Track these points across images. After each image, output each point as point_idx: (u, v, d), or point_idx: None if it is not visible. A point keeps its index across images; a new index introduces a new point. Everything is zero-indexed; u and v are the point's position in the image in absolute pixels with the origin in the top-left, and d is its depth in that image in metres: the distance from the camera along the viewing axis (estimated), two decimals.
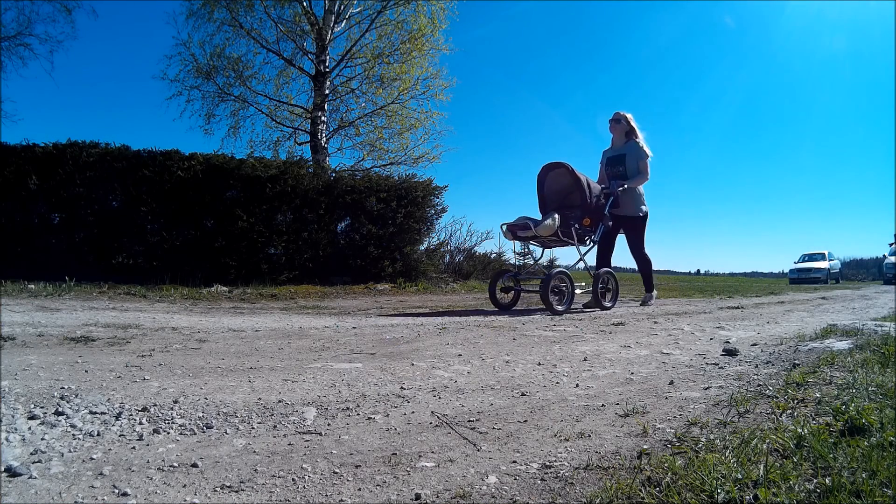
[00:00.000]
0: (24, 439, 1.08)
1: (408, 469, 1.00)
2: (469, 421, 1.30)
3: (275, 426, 1.24)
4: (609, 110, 5.15)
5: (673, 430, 1.20)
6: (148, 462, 1.00)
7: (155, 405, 1.34)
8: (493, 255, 9.19)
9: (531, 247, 5.24)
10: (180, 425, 1.21)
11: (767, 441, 1.06)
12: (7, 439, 1.07)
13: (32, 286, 4.41)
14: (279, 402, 1.42)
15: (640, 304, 5.04)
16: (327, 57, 9.00)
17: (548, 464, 1.03)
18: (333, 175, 7.01)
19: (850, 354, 1.95)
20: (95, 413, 1.26)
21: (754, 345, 2.45)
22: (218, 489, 0.90)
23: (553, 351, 2.28)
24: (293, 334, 2.65)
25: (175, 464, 0.99)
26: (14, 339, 2.18)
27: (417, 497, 0.88)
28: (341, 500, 0.87)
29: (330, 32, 8.89)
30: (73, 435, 1.12)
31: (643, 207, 4.86)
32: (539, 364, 2.00)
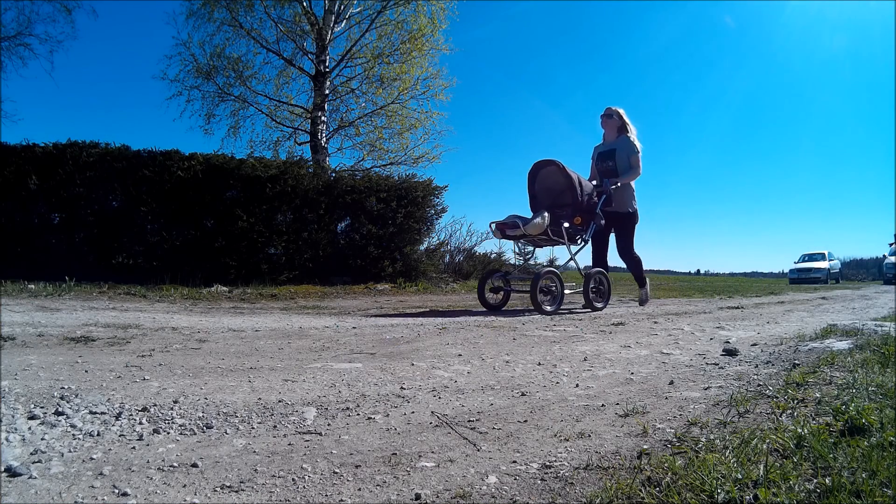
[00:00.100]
0: (24, 439, 1.08)
1: (408, 469, 1.00)
2: (469, 421, 1.30)
3: (275, 426, 1.24)
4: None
5: (673, 430, 1.20)
6: (148, 462, 1.00)
7: (155, 405, 1.34)
8: (493, 255, 9.20)
9: (530, 247, 5.24)
10: (180, 425, 1.21)
11: (767, 441, 1.06)
12: (7, 439, 1.07)
13: (32, 286, 4.41)
14: (279, 402, 1.42)
15: (639, 304, 5.00)
16: (327, 57, 9.00)
17: (548, 464, 1.03)
18: (333, 175, 7.02)
19: (850, 354, 1.95)
20: (95, 413, 1.26)
21: (754, 345, 2.45)
22: (218, 489, 0.90)
23: (553, 351, 2.28)
24: (293, 334, 2.66)
25: (175, 464, 0.99)
26: (14, 339, 2.18)
27: (417, 497, 0.88)
28: (341, 500, 0.87)
29: (330, 32, 8.89)
30: (73, 435, 1.12)
31: (633, 204, 4.79)
32: (539, 364, 2.00)
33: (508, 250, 9.27)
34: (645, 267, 5.00)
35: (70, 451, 1.03)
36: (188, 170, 5.90)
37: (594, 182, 4.80)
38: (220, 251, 6.01)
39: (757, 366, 1.93)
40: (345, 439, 1.16)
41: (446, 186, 7.43)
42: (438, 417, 1.33)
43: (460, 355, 2.15)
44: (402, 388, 1.61)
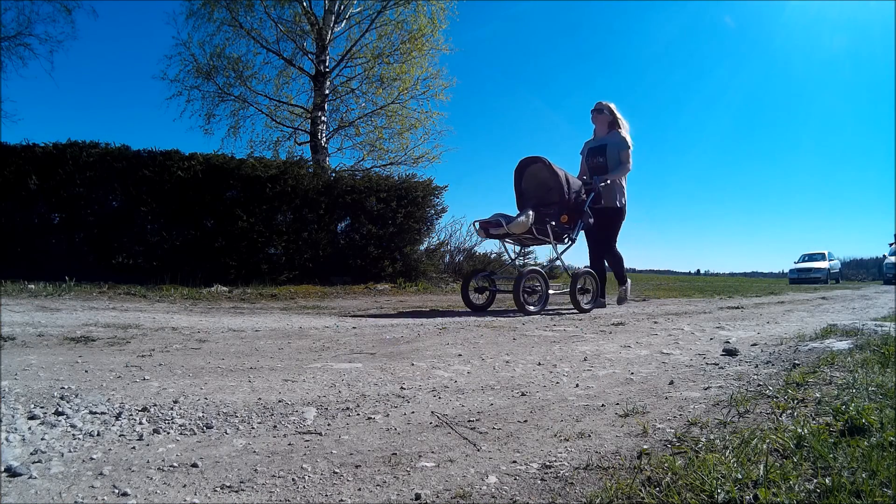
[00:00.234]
0: (24, 439, 1.08)
1: (408, 469, 1.00)
2: (469, 421, 1.30)
3: (275, 426, 1.24)
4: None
5: (673, 430, 1.20)
6: (148, 462, 1.00)
7: (155, 405, 1.34)
8: (493, 255, 9.20)
9: (518, 246, 5.07)
10: (180, 425, 1.21)
11: (767, 441, 1.06)
12: (7, 439, 1.07)
13: (32, 286, 4.41)
14: (279, 402, 1.42)
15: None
16: (327, 57, 9.00)
17: (548, 464, 1.03)
18: (333, 175, 7.01)
19: (850, 354, 1.95)
20: (95, 413, 1.26)
21: (754, 345, 2.45)
22: (218, 489, 0.90)
23: (553, 351, 2.28)
24: (293, 334, 2.65)
25: (175, 464, 0.99)
26: (14, 339, 2.18)
27: (417, 497, 0.88)
28: (341, 500, 0.87)
29: (330, 32, 8.89)
30: (73, 435, 1.12)
31: (622, 199, 4.69)
32: (539, 364, 2.00)
33: (508, 250, 9.25)
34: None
35: (70, 451, 1.03)
36: (188, 170, 5.90)
37: (584, 177, 4.70)
38: (220, 251, 6.01)
39: (757, 366, 1.93)
40: (345, 439, 1.16)
41: (446, 186, 7.44)
42: (438, 417, 1.33)
43: (460, 355, 2.15)
44: (402, 388, 1.61)
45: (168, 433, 1.16)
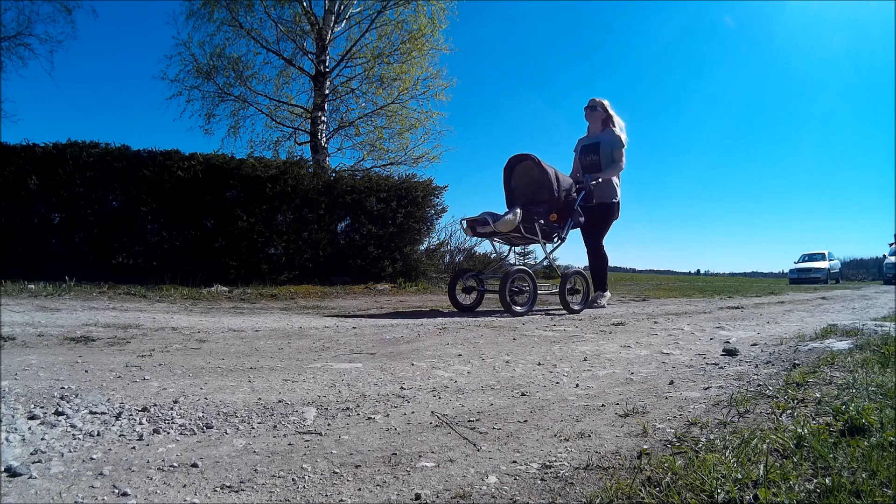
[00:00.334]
0: (24, 439, 1.08)
1: (408, 469, 1.00)
2: (469, 421, 1.30)
3: (275, 426, 1.24)
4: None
5: (673, 430, 1.20)
6: (148, 462, 1.00)
7: (155, 405, 1.34)
8: (493, 255, 9.20)
9: (505, 245, 4.88)
10: (180, 425, 1.21)
11: (767, 441, 1.06)
12: (7, 439, 1.07)
13: (32, 286, 4.41)
14: (279, 402, 1.42)
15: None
16: (327, 57, 9.00)
17: (548, 464, 1.03)
18: (333, 175, 7.01)
19: (850, 354, 1.95)
20: (95, 413, 1.26)
21: (754, 345, 2.45)
22: (218, 489, 0.90)
23: (553, 351, 2.28)
24: (293, 334, 2.65)
25: (175, 464, 0.99)
26: (14, 339, 2.18)
27: (417, 497, 0.88)
28: (341, 500, 0.87)
29: (330, 32, 8.90)
30: (73, 435, 1.12)
31: (615, 196, 4.61)
32: (539, 364, 2.00)
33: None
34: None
35: (70, 451, 1.03)
36: (188, 170, 5.90)
37: (576, 174, 4.60)
38: (220, 251, 6.01)
39: (757, 366, 1.93)
40: (345, 439, 1.16)
41: (446, 186, 7.44)
42: (438, 417, 1.33)
43: (460, 355, 2.15)
44: (402, 388, 1.61)
45: (168, 433, 1.16)
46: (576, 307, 4.20)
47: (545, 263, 4.80)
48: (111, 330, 2.56)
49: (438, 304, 4.84)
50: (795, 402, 1.38)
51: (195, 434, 1.17)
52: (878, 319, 3.29)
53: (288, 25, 8.92)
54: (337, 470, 0.99)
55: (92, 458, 1.00)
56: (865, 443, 1.02)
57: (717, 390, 1.58)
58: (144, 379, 1.61)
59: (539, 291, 4.16)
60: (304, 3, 8.73)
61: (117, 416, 1.24)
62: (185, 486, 0.91)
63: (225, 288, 5.22)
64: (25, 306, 3.37)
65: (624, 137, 4.64)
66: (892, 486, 0.84)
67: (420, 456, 1.07)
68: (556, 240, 4.39)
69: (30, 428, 1.14)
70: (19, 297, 3.84)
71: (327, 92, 9.08)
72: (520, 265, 4.45)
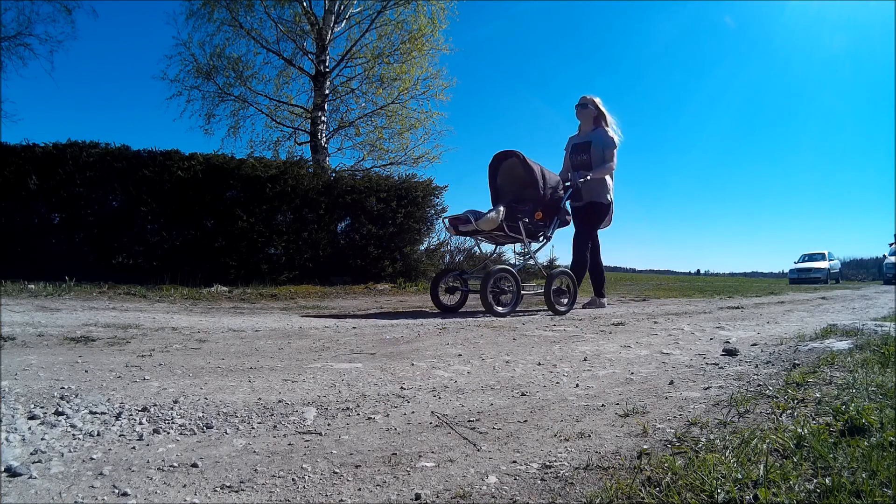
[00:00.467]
0: (24, 439, 1.08)
1: (408, 469, 1.00)
2: (469, 421, 1.30)
3: (275, 426, 1.24)
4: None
5: (673, 430, 1.20)
6: (148, 462, 1.00)
7: (155, 405, 1.34)
8: (493, 255, 9.20)
9: (490, 244, 4.73)
10: (180, 425, 1.21)
11: (767, 441, 1.06)
12: (7, 439, 1.07)
13: (32, 286, 4.41)
14: (279, 402, 1.42)
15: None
16: (327, 57, 9.00)
17: (548, 464, 1.03)
18: (333, 175, 7.02)
19: (850, 354, 1.95)
20: (95, 413, 1.26)
21: (754, 345, 2.45)
22: (218, 489, 0.90)
23: (553, 351, 2.28)
24: (293, 334, 2.65)
25: (175, 464, 0.99)
26: (14, 339, 2.18)
27: (417, 497, 0.88)
28: (341, 500, 0.87)
29: (330, 32, 8.90)
30: (73, 435, 1.12)
31: (607, 196, 4.50)
32: (539, 364, 2.00)
33: (508, 249, 9.21)
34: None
35: (70, 451, 1.03)
36: (188, 170, 5.91)
37: (569, 172, 4.49)
38: (220, 251, 6.01)
39: (757, 366, 1.93)
40: (345, 439, 1.16)
41: (446, 186, 7.45)
42: (438, 417, 1.33)
43: (460, 355, 2.15)
44: (402, 388, 1.61)
45: (168, 433, 1.16)
46: (562, 308, 4.07)
47: (531, 263, 4.58)
48: (111, 330, 2.56)
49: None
50: (795, 402, 1.38)
51: (195, 434, 1.17)
52: (878, 319, 3.29)
53: (288, 25, 8.93)
54: (337, 470, 0.99)
55: (92, 458, 1.00)
56: (865, 443, 1.02)
57: (717, 390, 1.58)
58: (144, 379, 1.61)
59: (524, 292, 4.05)
60: (304, 3, 8.73)
61: (117, 416, 1.24)
62: (185, 486, 0.91)
63: (225, 288, 5.22)
64: (25, 306, 3.37)
65: (616, 137, 4.54)
66: (892, 486, 0.84)
67: (420, 456, 1.07)
68: (541, 239, 4.29)
69: (30, 428, 1.14)
70: (19, 297, 3.84)
71: (327, 92, 9.09)
72: (503, 264, 4.31)
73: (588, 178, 4.32)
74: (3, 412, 1.22)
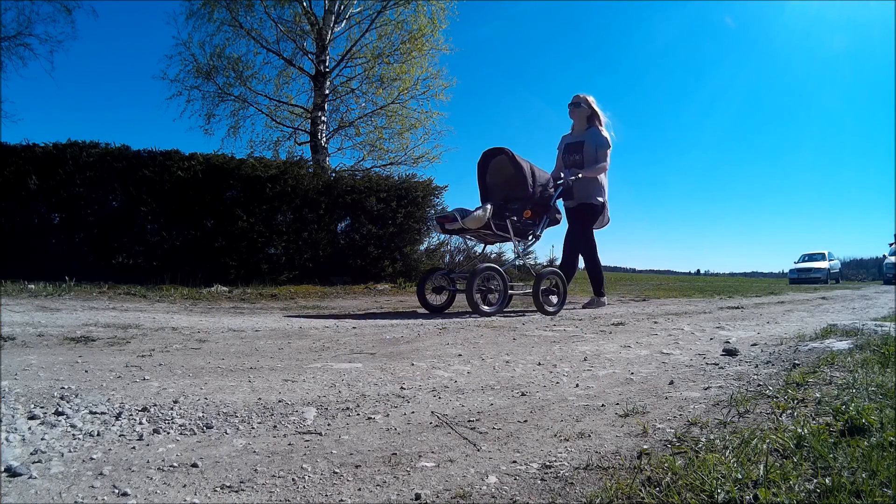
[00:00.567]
0: (24, 439, 1.08)
1: (408, 469, 1.00)
2: (469, 421, 1.30)
3: (275, 426, 1.24)
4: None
5: (673, 430, 1.20)
6: (148, 462, 1.00)
7: (155, 405, 1.34)
8: (493, 255, 9.20)
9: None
10: (180, 425, 1.21)
11: (767, 441, 1.06)
12: (7, 439, 1.07)
13: (32, 286, 4.41)
14: (279, 402, 1.42)
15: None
16: (327, 57, 9.01)
17: (548, 464, 1.03)
18: (333, 175, 7.02)
19: (850, 354, 1.95)
20: (95, 413, 1.26)
21: (754, 345, 2.45)
22: (218, 489, 0.90)
23: (553, 351, 2.28)
24: (293, 334, 2.65)
25: (175, 464, 0.99)
26: (14, 339, 2.18)
27: (417, 497, 0.88)
28: (341, 500, 0.87)
29: (330, 32, 8.90)
30: (73, 435, 1.12)
31: (599, 198, 4.42)
32: (539, 364, 2.00)
33: (508, 250, 9.20)
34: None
35: (70, 451, 1.03)
36: (188, 170, 5.91)
37: (562, 171, 4.39)
38: (220, 251, 6.01)
39: (757, 366, 1.93)
40: (345, 439, 1.16)
41: (446, 186, 7.45)
42: (438, 417, 1.33)
43: (460, 355, 2.15)
44: (402, 388, 1.61)
45: (168, 433, 1.16)
46: (551, 309, 4.00)
47: (520, 262, 4.51)
48: (111, 330, 2.56)
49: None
50: (795, 402, 1.38)
51: (195, 434, 1.17)
52: (878, 319, 3.29)
53: (288, 25, 8.93)
54: (337, 470, 0.99)
55: (92, 458, 1.00)
56: (865, 443, 1.02)
57: (717, 390, 1.58)
58: (144, 379, 1.61)
59: (512, 291, 3.98)
60: (304, 3, 8.73)
61: (117, 416, 1.24)
62: (185, 486, 0.91)
63: (225, 288, 5.22)
64: (25, 306, 3.37)
65: (609, 136, 4.47)
66: (892, 486, 0.84)
67: (420, 456, 1.07)
68: (530, 238, 4.22)
69: (30, 428, 1.14)
70: (19, 297, 3.84)
71: (327, 92, 9.09)
72: (488, 263, 4.21)
73: (579, 175, 4.25)
74: (3, 412, 1.22)
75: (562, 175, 4.31)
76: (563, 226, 4.56)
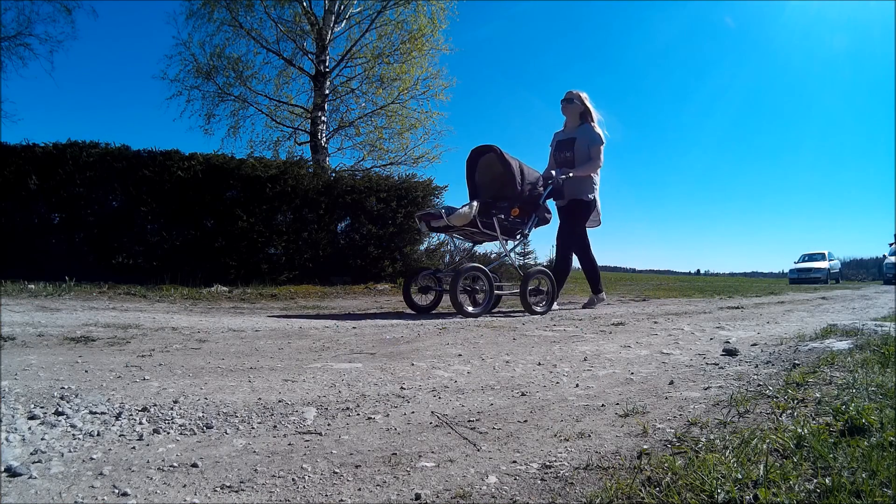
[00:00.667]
0: (24, 439, 1.08)
1: (408, 469, 1.00)
2: (469, 421, 1.30)
3: (275, 426, 1.24)
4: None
5: (673, 430, 1.20)
6: (148, 462, 1.00)
7: (155, 405, 1.34)
8: (493, 255, 9.20)
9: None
10: (180, 425, 1.21)
11: (767, 441, 1.06)
12: (7, 439, 1.07)
13: (32, 286, 4.41)
14: (279, 402, 1.42)
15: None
16: (327, 57, 9.01)
17: (548, 464, 1.03)
18: (333, 175, 7.02)
19: (850, 354, 1.95)
20: (95, 413, 1.26)
21: (754, 345, 2.45)
22: (218, 489, 0.90)
23: (553, 351, 2.28)
24: (293, 334, 2.65)
25: (175, 464, 0.99)
26: (14, 339, 2.18)
27: (417, 497, 0.88)
28: (341, 500, 0.87)
29: (330, 32, 8.90)
30: (73, 435, 1.12)
31: (590, 195, 4.34)
32: (539, 364, 2.00)
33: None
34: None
35: (70, 451, 1.03)
36: (188, 170, 5.91)
37: (554, 172, 4.30)
38: (220, 251, 6.01)
39: (757, 366, 1.93)
40: (345, 439, 1.16)
41: (446, 186, 7.46)
42: (438, 417, 1.33)
43: (460, 355, 2.15)
44: (402, 388, 1.61)
45: (168, 433, 1.16)
46: (539, 309, 3.95)
47: (508, 261, 4.43)
48: (111, 330, 2.56)
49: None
50: (795, 402, 1.38)
51: (195, 434, 1.17)
52: (878, 319, 3.29)
53: (288, 25, 8.93)
54: (337, 470, 0.99)
55: (92, 458, 1.00)
56: (865, 443, 1.02)
57: (717, 390, 1.58)
58: (144, 379, 1.61)
59: (498, 292, 3.93)
60: (304, 3, 8.74)
61: (117, 416, 1.24)
62: (185, 486, 0.91)
63: (225, 288, 5.22)
64: (25, 306, 3.37)
65: (602, 133, 4.38)
66: (892, 486, 0.84)
67: (420, 456, 1.07)
68: (518, 237, 4.17)
69: (30, 428, 1.14)
70: (19, 297, 3.84)
71: (327, 92, 9.09)
72: (471, 262, 4.14)
73: (570, 175, 4.20)
74: (3, 412, 1.22)
75: (552, 174, 4.25)
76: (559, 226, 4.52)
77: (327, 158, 8.89)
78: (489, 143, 4.06)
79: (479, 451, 1.10)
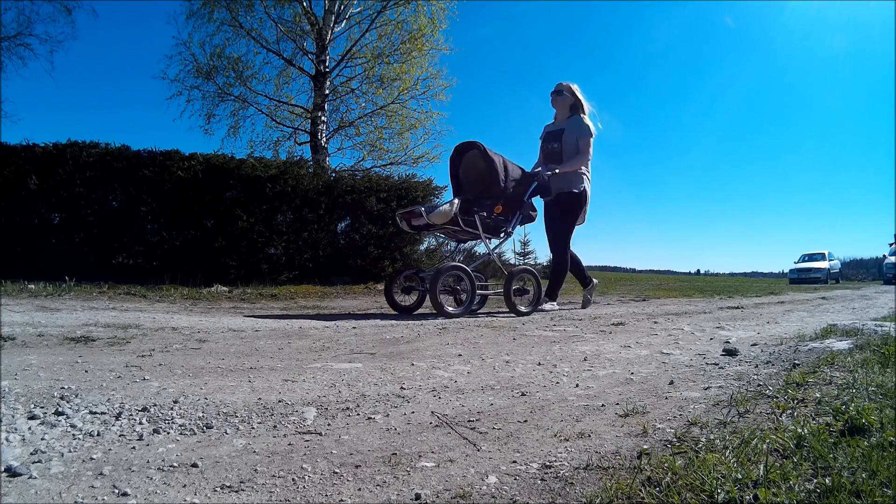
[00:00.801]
0: (24, 439, 1.08)
1: (408, 469, 1.00)
2: (469, 421, 1.30)
3: (275, 426, 1.24)
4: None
5: (673, 430, 1.20)
6: (148, 462, 1.00)
7: (155, 405, 1.34)
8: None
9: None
10: (180, 425, 1.21)
11: (767, 441, 1.06)
12: (7, 439, 1.07)
13: (32, 286, 4.41)
14: (279, 402, 1.42)
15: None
16: (327, 57, 9.01)
17: (548, 464, 1.03)
18: (333, 175, 7.03)
19: (850, 354, 1.95)
20: (95, 413, 1.26)
21: (754, 345, 2.45)
22: (218, 489, 0.90)
23: (553, 351, 2.28)
24: (293, 334, 2.65)
25: (175, 464, 0.99)
26: (14, 339, 2.18)
27: (417, 497, 0.88)
28: (341, 500, 0.87)
29: (330, 32, 8.90)
30: (73, 435, 1.12)
31: (580, 185, 4.20)
32: (539, 364, 2.00)
33: (508, 249, 9.20)
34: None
35: (70, 451, 1.03)
36: (188, 170, 5.91)
37: (539, 167, 4.22)
38: (220, 251, 6.01)
39: (757, 366, 1.93)
40: (345, 439, 1.16)
41: (446, 186, 7.45)
42: (438, 417, 1.33)
43: (460, 355, 2.15)
44: (402, 388, 1.61)
45: (168, 433, 1.16)
46: (524, 309, 3.89)
47: (493, 260, 4.33)
48: (111, 330, 2.56)
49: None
50: (795, 402, 1.38)
51: (195, 434, 1.17)
52: (878, 319, 3.29)
53: (288, 25, 8.93)
54: (337, 470, 0.99)
55: (92, 458, 1.00)
56: (865, 443, 1.02)
57: (717, 390, 1.58)
58: (144, 379, 1.61)
59: (481, 292, 3.88)
60: (304, 3, 8.74)
61: (117, 416, 1.24)
62: (185, 486, 0.91)
63: (225, 288, 5.22)
64: (25, 306, 3.37)
65: (592, 125, 4.26)
66: (892, 486, 0.84)
67: (420, 456, 1.07)
68: (502, 235, 4.09)
69: (30, 428, 1.14)
70: (19, 297, 3.84)
71: (327, 92, 9.09)
72: (453, 262, 4.05)
73: (556, 171, 4.10)
74: (3, 412, 1.22)
75: (538, 170, 4.17)
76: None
77: (327, 158, 8.90)
78: (472, 140, 3.98)
79: (479, 451, 1.10)
